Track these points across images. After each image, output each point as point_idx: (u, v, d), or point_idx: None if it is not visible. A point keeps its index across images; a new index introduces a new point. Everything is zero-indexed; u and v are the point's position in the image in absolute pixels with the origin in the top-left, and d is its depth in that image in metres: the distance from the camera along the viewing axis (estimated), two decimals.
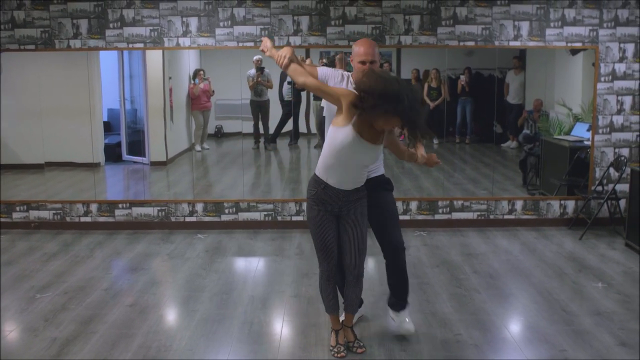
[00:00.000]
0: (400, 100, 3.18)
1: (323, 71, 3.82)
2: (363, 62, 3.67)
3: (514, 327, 4.28)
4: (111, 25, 6.56)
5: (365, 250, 3.75)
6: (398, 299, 4.05)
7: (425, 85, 7.33)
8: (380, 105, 3.19)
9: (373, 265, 5.44)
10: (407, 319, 4.04)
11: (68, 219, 6.88)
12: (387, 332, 4.14)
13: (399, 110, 3.20)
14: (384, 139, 3.50)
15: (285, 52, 3.58)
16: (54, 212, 6.87)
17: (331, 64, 6.96)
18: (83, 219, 6.87)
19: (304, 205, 6.80)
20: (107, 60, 7.26)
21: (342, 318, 4.03)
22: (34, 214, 6.88)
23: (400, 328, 4.04)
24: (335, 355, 3.81)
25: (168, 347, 3.95)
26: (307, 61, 6.97)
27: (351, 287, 3.79)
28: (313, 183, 3.63)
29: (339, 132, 3.41)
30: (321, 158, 3.56)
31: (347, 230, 3.66)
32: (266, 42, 3.74)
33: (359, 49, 3.73)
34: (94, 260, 5.76)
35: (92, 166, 7.23)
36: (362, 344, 3.89)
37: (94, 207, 6.86)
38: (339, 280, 3.86)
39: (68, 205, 6.86)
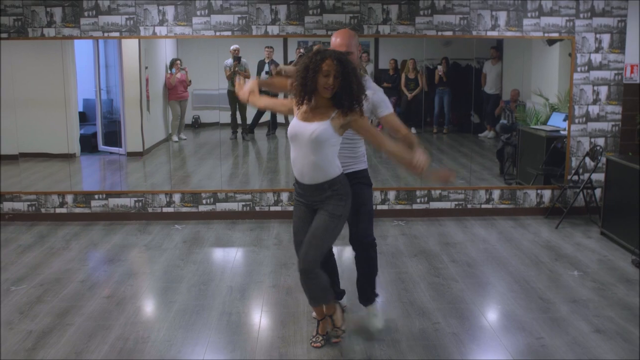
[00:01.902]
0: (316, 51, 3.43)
1: None
2: None
3: (492, 315, 4.31)
4: (86, 13, 6.46)
5: (320, 248, 3.50)
6: (362, 293, 4.04)
7: (403, 76, 7.33)
8: (301, 65, 3.44)
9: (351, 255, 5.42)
10: (375, 313, 4.04)
11: (43, 210, 6.78)
12: (364, 322, 4.15)
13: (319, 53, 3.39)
14: (346, 123, 3.39)
15: (246, 88, 3.79)
16: (29, 203, 6.78)
17: (308, 53, 6.93)
18: (58, 211, 6.78)
19: (282, 196, 6.78)
20: (82, 49, 7.14)
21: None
22: (8, 206, 6.78)
23: (368, 322, 4.03)
24: (312, 344, 3.83)
25: (146, 339, 3.92)
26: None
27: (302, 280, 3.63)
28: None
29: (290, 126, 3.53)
30: None
31: (312, 224, 3.56)
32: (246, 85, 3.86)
33: (334, 40, 3.72)
34: (70, 252, 5.69)
35: (68, 157, 7.13)
36: (337, 335, 3.86)
37: (69, 199, 6.78)
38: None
39: (43, 197, 6.77)
